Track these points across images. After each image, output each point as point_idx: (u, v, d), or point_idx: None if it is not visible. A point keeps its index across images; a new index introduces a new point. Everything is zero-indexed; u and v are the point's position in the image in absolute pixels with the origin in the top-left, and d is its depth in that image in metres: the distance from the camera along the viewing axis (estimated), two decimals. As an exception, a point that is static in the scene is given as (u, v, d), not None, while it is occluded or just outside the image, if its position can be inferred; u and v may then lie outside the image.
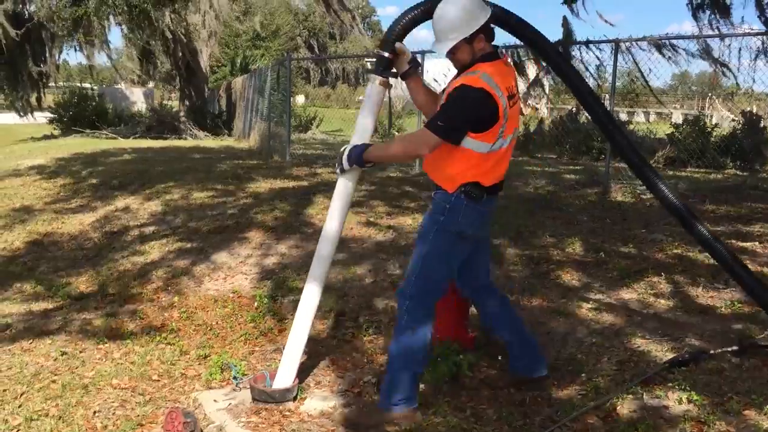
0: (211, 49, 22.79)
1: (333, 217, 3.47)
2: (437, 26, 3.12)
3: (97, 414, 3.51)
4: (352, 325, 4.66)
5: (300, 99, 36.38)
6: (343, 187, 3.43)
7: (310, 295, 3.52)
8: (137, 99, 33.97)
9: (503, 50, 3.31)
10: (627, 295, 4.81)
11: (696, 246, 5.79)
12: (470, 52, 3.10)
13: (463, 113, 3.01)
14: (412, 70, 3.38)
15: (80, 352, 4.36)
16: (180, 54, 21.24)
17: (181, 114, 21.58)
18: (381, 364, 3.99)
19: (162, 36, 19.45)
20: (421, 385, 3.61)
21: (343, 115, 29.16)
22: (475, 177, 3.12)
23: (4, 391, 3.78)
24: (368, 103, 3.41)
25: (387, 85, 3.37)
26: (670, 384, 3.46)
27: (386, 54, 3.29)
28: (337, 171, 3.36)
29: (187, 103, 22.47)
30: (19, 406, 3.60)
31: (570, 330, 4.31)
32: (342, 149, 3.31)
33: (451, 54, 3.14)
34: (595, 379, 3.61)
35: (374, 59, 3.40)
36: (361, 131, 3.39)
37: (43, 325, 4.89)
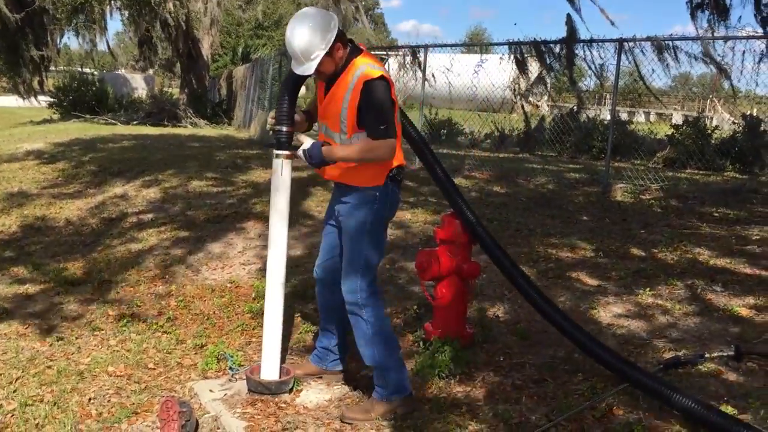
0: (213, 38, 22.69)
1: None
2: (295, 53, 3.17)
3: (92, 401, 3.51)
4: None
5: (302, 90, 36.28)
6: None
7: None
8: (138, 85, 33.87)
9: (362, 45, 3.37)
10: (626, 295, 4.80)
11: (696, 247, 5.81)
12: (334, 62, 3.20)
13: (388, 105, 3.14)
14: (309, 124, 3.56)
15: (76, 338, 4.35)
16: (181, 41, 21.15)
17: (182, 102, 21.49)
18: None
19: (164, 23, 19.36)
20: (417, 380, 3.62)
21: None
22: (397, 160, 3.29)
23: (0, 375, 3.77)
24: (280, 181, 3.42)
25: (293, 157, 3.40)
26: (667, 386, 3.46)
27: (285, 128, 3.36)
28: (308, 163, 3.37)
29: (187, 90, 22.37)
30: (14, 391, 3.59)
31: (567, 329, 4.30)
32: (298, 151, 3.34)
33: (317, 71, 3.20)
34: (591, 379, 3.60)
35: (273, 137, 3.42)
36: (279, 211, 3.43)
37: (39, 310, 4.88)
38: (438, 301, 4.07)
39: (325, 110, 3.33)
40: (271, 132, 3.44)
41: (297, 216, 6.86)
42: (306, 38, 3.11)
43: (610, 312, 4.53)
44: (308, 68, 3.17)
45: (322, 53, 3.12)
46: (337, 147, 3.27)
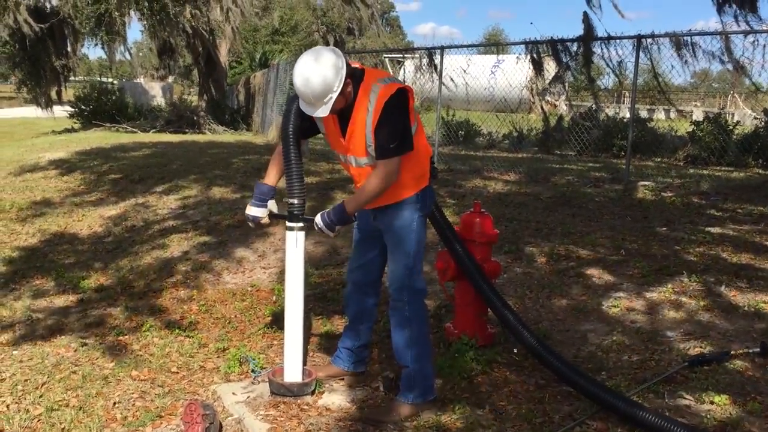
0: (231, 45, 22.87)
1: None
2: (310, 99, 3.10)
3: (117, 405, 3.54)
4: (370, 320, 4.64)
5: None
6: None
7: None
8: (156, 93, 34.15)
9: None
10: (648, 293, 4.75)
11: (719, 244, 5.74)
12: (344, 99, 3.14)
13: (404, 119, 3.14)
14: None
15: (100, 343, 4.39)
16: (200, 49, 21.33)
17: (200, 108, 21.67)
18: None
19: (183, 31, 19.53)
20: (439, 381, 3.61)
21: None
22: (427, 154, 3.38)
23: (26, 381, 3.81)
24: (295, 253, 3.46)
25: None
26: (692, 383, 3.43)
27: (296, 201, 3.42)
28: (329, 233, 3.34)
29: (206, 97, 22.56)
30: (40, 396, 3.63)
31: (590, 328, 4.28)
32: (315, 222, 3.32)
33: (331, 110, 3.15)
34: (615, 378, 3.58)
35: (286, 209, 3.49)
36: (294, 286, 3.49)
37: (64, 316, 4.93)
38: (458, 301, 4.05)
39: (349, 142, 3.25)
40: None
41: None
42: (319, 82, 3.03)
43: (632, 309, 4.49)
44: (323, 111, 3.10)
45: (336, 94, 3.06)
46: (356, 196, 3.26)
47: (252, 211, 3.49)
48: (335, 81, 3.04)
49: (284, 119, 3.38)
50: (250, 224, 3.58)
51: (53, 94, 21.62)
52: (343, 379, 3.78)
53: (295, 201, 3.38)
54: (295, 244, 3.43)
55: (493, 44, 33.28)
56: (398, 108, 3.09)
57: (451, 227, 3.75)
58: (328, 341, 4.33)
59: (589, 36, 9.07)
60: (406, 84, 3.23)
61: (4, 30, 17.17)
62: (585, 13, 8.82)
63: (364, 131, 3.15)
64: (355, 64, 3.24)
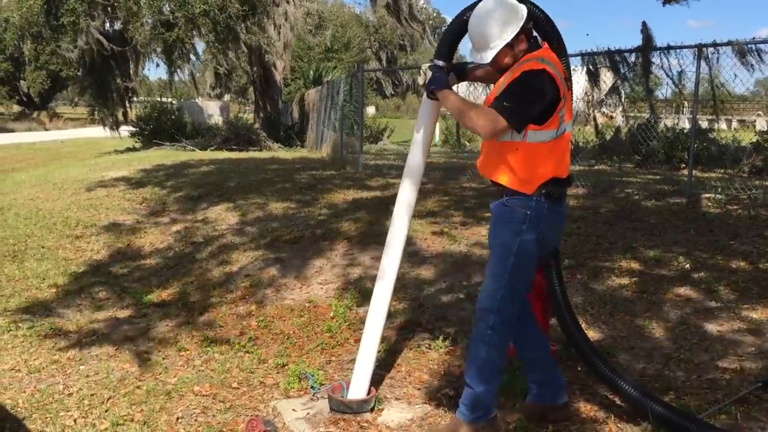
0: (286, 63, 23.23)
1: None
2: (476, 37, 3.06)
3: (179, 420, 3.59)
4: (427, 337, 4.62)
5: (370, 110, 36.68)
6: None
7: (384, 285, 3.55)
8: (213, 112, 34.86)
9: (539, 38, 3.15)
10: (717, 309, 4.59)
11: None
12: (512, 56, 3.05)
13: (530, 98, 2.94)
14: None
15: (163, 358, 4.47)
16: (256, 68, 21.75)
17: (256, 126, 22.06)
18: (458, 376, 3.93)
19: (241, 51, 19.96)
20: (500, 399, 3.55)
21: (415, 125, 29.12)
22: (552, 172, 3.03)
23: (92, 395, 3.91)
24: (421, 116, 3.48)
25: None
26: (767, 405, 3.28)
27: (439, 62, 3.33)
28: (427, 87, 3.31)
29: (261, 115, 22.95)
30: (106, 411, 3.71)
31: (656, 345, 4.16)
32: (426, 66, 3.35)
33: (493, 60, 3.07)
34: (683, 398, 3.46)
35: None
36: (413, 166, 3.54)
37: (128, 331, 5.04)
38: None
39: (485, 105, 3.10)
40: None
41: (376, 234, 6.88)
42: (489, 25, 2.99)
43: (700, 327, 4.34)
44: (486, 57, 3.04)
45: (503, 43, 2.99)
46: (459, 99, 3.15)
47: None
48: (505, 30, 2.98)
49: None
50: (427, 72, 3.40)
51: (120, 115, 22.35)
52: (438, 402, 3.67)
53: (439, 62, 3.33)
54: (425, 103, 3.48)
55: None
56: (531, 85, 2.93)
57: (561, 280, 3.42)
58: (391, 358, 4.31)
59: (648, 46, 8.89)
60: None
61: (75, 51, 17.86)
62: (644, 23, 8.68)
63: (494, 95, 3.04)
64: (544, 44, 3.12)
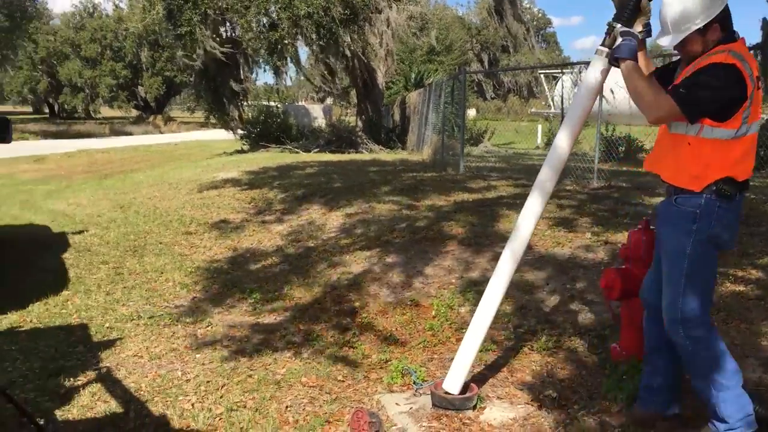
0: (388, 66, 23.52)
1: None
2: (667, 15, 2.88)
3: (288, 408, 3.75)
4: (530, 338, 4.60)
5: (471, 112, 36.50)
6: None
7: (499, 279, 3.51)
8: (317, 115, 35.78)
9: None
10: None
11: None
12: (703, 44, 2.86)
13: (709, 90, 2.76)
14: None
15: (272, 351, 4.67)
16: (358, 72, 22.15)
17: (358, 129, 22.44)
18: (561, 379, 3.92)
19: (342, 55, 20.39)
20: (605, 404, 3.50)
21: (517, 127, 28.87)
22: (726, 171, 2.83)
23: (207, 382, 4.15)
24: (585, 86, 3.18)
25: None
26: None
27: (618, 25, 3.03)
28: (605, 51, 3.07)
29: (363, 118, 23.33)
30: (221, 397, 3.94)
31: (773, 355, 3.97)
32: (614, 28, 3.01)
33: (680, 46, 2.91)
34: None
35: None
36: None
37: (239, 323, 5.30)
38: (625, 321, 3.92)
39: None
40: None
41: (479, 236, 6.89)
42: (683, 6, 2.81)
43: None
44: (673, 40, 2.87)
45: (694, 28, 2.81)
46: (638, 71, 2.93)
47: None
48: (700, 14, 2.80)
49: None
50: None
51: (236, 117, 23.53)
52: (540, 403, 3.63)
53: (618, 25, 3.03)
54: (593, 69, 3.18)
55: (657, 56, 31.72)
56: (716, 77, 2.75)
57: None
58: (486, 358, 4.33)
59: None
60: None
61: (198, 60, 18.87)
62: (764, 19, 8.22)
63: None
64: (741, 38, 2.91)
